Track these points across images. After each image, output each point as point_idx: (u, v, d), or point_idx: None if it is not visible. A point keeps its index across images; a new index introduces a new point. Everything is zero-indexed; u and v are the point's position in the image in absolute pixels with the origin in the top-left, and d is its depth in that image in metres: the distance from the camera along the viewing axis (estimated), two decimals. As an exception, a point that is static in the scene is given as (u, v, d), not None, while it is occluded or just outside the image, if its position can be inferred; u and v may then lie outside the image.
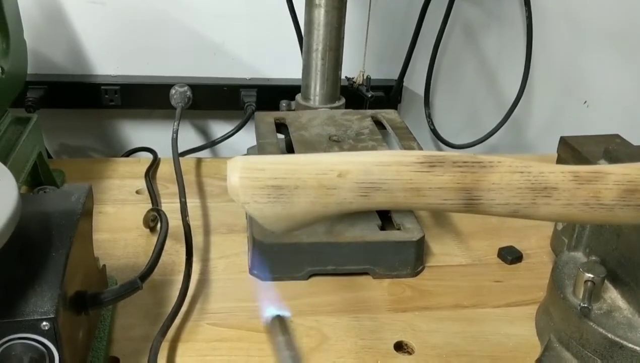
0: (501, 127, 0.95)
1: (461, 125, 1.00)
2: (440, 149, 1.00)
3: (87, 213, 0.47)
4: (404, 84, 0.93)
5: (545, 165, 0.34)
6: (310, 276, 0.61)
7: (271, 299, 0.38)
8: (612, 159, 0.52)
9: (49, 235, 0.42)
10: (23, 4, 0.70)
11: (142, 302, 0.56)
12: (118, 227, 0.68)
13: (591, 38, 0.96)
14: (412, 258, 0.62)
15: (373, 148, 0.63)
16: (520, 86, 0.93)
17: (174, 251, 0.64)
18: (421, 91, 0.95)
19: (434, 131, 0.97)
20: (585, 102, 1.01)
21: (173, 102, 0.83)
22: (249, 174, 0.32)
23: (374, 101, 0.84)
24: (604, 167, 0.35)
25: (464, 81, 0.97)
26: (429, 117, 0.96)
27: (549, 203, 0.34)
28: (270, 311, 0.36)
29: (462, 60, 0.95)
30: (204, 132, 0.95)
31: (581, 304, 0.48)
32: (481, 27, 0.93)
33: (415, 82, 0.95)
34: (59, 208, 0.45)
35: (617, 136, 0.61)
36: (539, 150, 1.03)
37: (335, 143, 0.63)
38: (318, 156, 0.33)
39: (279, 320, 0.35)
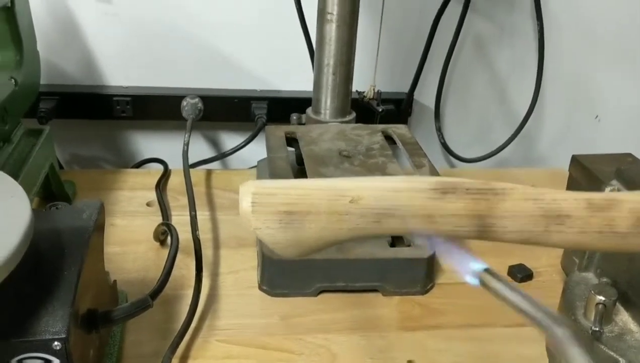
0: (512, 141, 0.95)
1: (472, 139, 0.99)
2: (450, 163, 1.00)
3: (98, 229, 0.47)
4: (415, 97, 0.93)
5: (559, 192, 0.34)
6: (320, 292, 0.61)
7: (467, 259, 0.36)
8: (625, 179, 0.52)
9: (61, 253, 0.42)
10: (36, 14, 0.71)
11: (152, 318, 0.56)
12: (128, 239, 0.69)
13: (603, 52, 0.95)
14: (422, 276, 0.62)
15: (383, 164, 0.63)
16: (532, 100, 0.93)
17: (184, 265, 0.64)
18: (431, 104, 0.95)
19: (444, 145, 0.97)
20: (597, 116, 1.00)
21: (184, 114, 0.83)
22: (261, 199, 0.32)
23: (385, 114, 0.84)
24: (618, 194, 0.34)
25: (474, 95, 0.97)
26: (439, 130, 0.96)
27: (562, 231, 0.34)
28: (475, 266, 0.35)
29: (473, 73, 0.95)
30: (214, 143, 0.95)
31: (592, 327, 0.47)
32: (492, 41, 0.93)
33: (425, 95, 0.95)
34: (71, 226, 0.45)
35: (629, 155, 0.61)
36: (550, 164, 1.02)
37: (345, 158, 0.63)
38: (330, 181, 0.33)
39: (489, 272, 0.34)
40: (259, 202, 0.32)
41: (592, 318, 0.48)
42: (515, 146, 0.97)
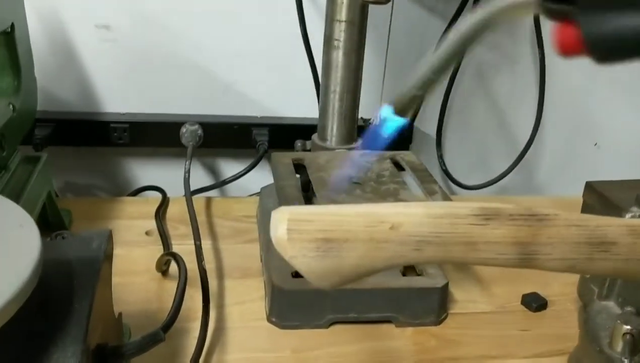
0: (513, 168, 0.94)
1: (472, 166, 0.99)
2: (451, 190, 0.99)
3: (107, 260, 0.45)
4: (415, 124, 0.92)
5: (602, 218, 0.33)
6: (331, 324, 0.59)
7: None
8: (647, 206, 0.51)
9: (70, 285, 0.40)
10: (33, 39, 0.69)
11: (158, 352, 0.52)
12: (128, 270, 0.66)
13: (602, 80, 0.96)
14: (436, 306, 0.60)
15: (395, 191, 0.61)
16: (533, 128, 0.93)
17: (188, 296, 0.61)
18: (432, 132, 0.95)
19: (446, 172, 0.96)
20: (596, 143, 1.00)
21: (184, 141, 0.82)
22: (297, 226, 0.30)
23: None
24: (662, 220, 0.33)
25: (475, 122, 0.97)
26: (440, 157, 0.95)
27: (606, 259, 0.33)
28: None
29: (474, 101, 0.95)
30: (212, 170, 0.93)
31: (622, 358, 0.46)
32: (493, 70, 0.93)
33: (426, 123, 0.95)
34: (80, 256, 0.42)
35: (643, 181, 0.60)
36: (549, 191, 1.02)
37: (356, 185, 0.62)
38: (368, 207, 0.32)
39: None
40: (295, 229, 0.30)
41: (619, 348, 0.47)
42: (515, 173, 0.97)
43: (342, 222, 0.31)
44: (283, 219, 0.30)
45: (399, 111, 0.38)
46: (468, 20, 0.33)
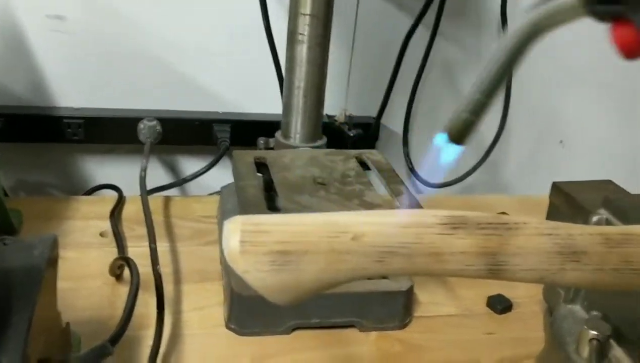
0: (479, 167, 0.94)
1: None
2: (417, 188, 0.98)
3: (51, 267, 0.42)
4: (382, 121, 0.91)
5: (574, 226, 0.32)
6: (293, 330, 0.57)
7: None
8: (614, 209, 0.50)
9: (8, 296, 0.37)
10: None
11: (109, 363, 0.50)
12: (81, 274, 0.63)
13: (568, 77, 0.96)
14: (401, 309, 0.59)
15: (361, 192, 0.59)
16: (499, 127, 0.92)
17: (143, 302, 0.58)
18: (399, 129, 0.93)
19: (412, 170, 0.95)
20: (561, 141, 1.00)
21: (141, 137, 0.78)
22: (252, 238, 0.28)
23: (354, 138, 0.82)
24: (634, 228, 0.32)
25: (442, 120, 0.95)
26: (407, 156, 0.94)
27: (577, 269, 0.31)
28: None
29: (441, 99, 0.94)
30: (172, 168, 0.90)
31: (588, 365, 0.45)
32: (460, 66, 0.92)
33: (393, 120, 0.93)
34: (21, 264, 0.39)
35: (610, 182, 0.59)
36: (515, 189, 1.01)
37: (321, 186, 0.60)
38: (328, 216, 0.30)
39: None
40: (249, 240, 0.28)
41: (585, 354, 0.46)
42: (480, 172, 0.96)
43: (300, 233, 0.29)
44: (236, 229, 0.28)
45: (454, 138, 0.36)
46: (512, 35, 0.32)
